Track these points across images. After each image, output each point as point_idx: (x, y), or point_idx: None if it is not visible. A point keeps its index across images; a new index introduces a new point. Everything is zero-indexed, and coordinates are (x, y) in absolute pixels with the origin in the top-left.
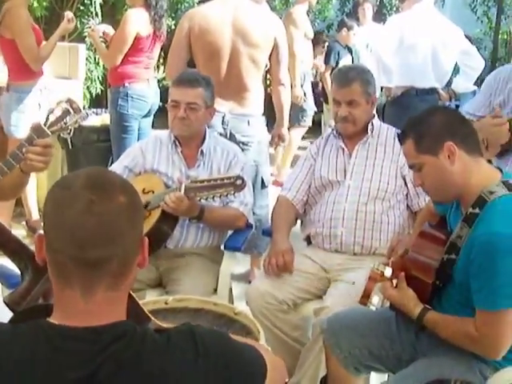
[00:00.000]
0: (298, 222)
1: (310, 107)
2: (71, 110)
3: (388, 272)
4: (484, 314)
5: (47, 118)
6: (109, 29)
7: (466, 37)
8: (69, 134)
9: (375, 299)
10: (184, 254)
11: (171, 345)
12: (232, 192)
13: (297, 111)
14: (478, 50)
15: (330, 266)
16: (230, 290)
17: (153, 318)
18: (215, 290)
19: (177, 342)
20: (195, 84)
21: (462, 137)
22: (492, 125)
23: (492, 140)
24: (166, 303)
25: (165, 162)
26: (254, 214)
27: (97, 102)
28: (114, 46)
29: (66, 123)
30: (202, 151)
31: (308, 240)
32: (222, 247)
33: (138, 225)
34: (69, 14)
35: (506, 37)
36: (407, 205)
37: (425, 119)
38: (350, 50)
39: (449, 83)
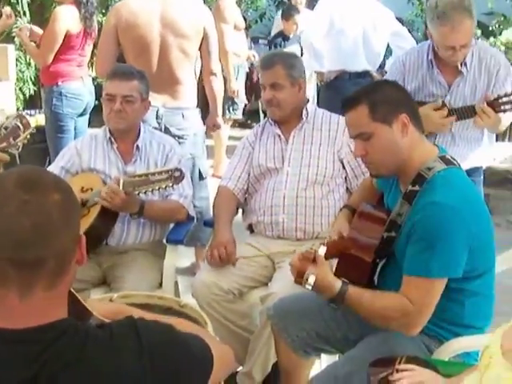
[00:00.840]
0: (240, 211)
1: (241, 100)
2: (21, 126)
3: (321, 251)
4: (417, 280)
5: None
6: (36, 28)
7: (398, 19)
8: (17, 149)
9: (311, 278)
10: (127, 251)
11: (114, 339)
12: (170, 185)
13: (228, 104)
14: (410, 32)
15: (273, 253)
16: (176, 283)
17: (95, 314)
18: (160, 285)
19: (120, 337)
20: (130, 77)
21: (413, 111)
22: (438, 117)
23: (429, 129)
24: (111, 300)
25: (101, 160)
26: (194, 206)
27: (30, 102)
28: (45, 45)
29: (15, 139)
30: (137, 146)
31: (250, 229)
32: (165, 241)
33: (73, 222)
34: (7, 10)
35: None
36: (347, 188)
37: (379, 88)
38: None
39: (382, 65)
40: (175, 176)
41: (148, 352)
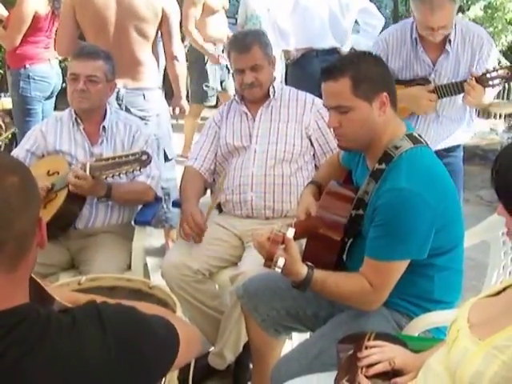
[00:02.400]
0: (208, 191)
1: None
2: (3, 125)
3: (290, 233)
4: (375, 263)
5: None
6: (1, 9)
7: None
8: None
9: (281, 261)
10: (95, 233)
11: (77, 324)
12: (138, 168)
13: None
14: (379, 9)
15: (242, 232)
16: (145, 265)
17: (57, 299)
18: (129, 267)
19: (82, 321)
20: (95, 56)
21: (392, 90)
22: (428, 99)
23: (415, 111)
24: (80, 284)
25: (67, 142)
26: (161, 187)
27: None
28: (12, 27)
29: None
30: (104, 127)
31: (219, 208)
32: (133, 223)
33: (32, 204)
34: None
35: None
36: (315, 165)
37: (363, 63)
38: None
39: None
40: (142, 159)
41: (111, 335)
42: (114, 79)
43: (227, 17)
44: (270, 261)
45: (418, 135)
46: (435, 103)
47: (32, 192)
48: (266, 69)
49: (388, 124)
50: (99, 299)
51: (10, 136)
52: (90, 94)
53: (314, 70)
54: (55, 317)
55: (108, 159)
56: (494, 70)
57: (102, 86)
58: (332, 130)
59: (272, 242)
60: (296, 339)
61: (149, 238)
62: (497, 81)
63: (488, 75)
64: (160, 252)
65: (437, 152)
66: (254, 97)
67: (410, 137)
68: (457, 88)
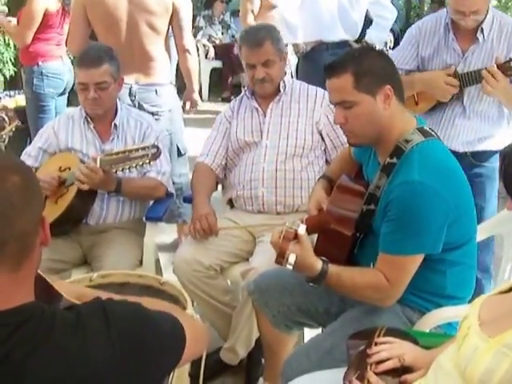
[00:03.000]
0: (220, 186)
1: None
2: (6, 119)
3: (302, 229)
4: (390, 258)
5: None
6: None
7: None
8: (3, 141)
9: (292, 257)
10: (107, 229)
11: (81, 321)
12: (147, 161)
13: None
14: (392, 1)
15: (253, 228)
16: (158, 260)
17: (64, 295)
18: (141, 263)
19: (88, 318)
20: (99, 62)
21: (397, 82)
22: (445, 82)
23: (434, 95)
24: (91, 280)
25: (78, 139)
26: (173, 183)
27: (11, 84)
28: (23, 24)
29: (0, 131)
30: (115, 125)
31: (230, 203)
32: (144, 219)
33: (35, 203)
34: None
35: None
36: (326, 159)
37: (365, 57)
38: None
39: (363, 36)
40: (152, 153)
41: (116, 331)
42: (119, 75)
43: (239, 11)
44: (281, 257)
45: (430, 129)
46: (455, 89)
47: (34, 191)
48: (277, 64)
49: (395, 117)
50: (106, 295)
51: (13, 129)
52: (102, 101)
53: (324, 63)
54: (60, 314)
55: (118, 153)
56: None
57: (112, 87)
58: (340, 126)
59: (284, 238)
60: (308, 334)
61: (162, 233)
62: None
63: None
64: (173, 247)
65: (465, 156)
66: (265, 92)
67: (421, 130)
68: (477, 76)
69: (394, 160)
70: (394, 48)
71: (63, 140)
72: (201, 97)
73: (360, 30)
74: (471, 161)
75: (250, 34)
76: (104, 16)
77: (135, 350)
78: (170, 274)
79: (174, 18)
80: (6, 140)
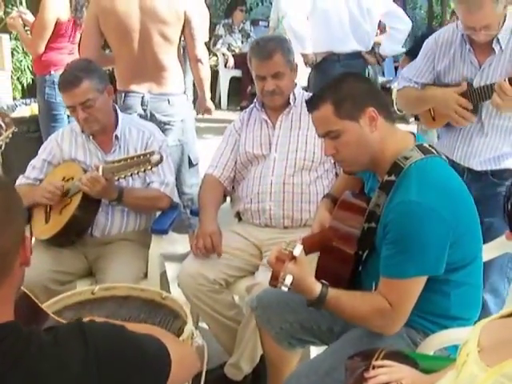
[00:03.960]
0: (228, 199)
1: None
2: (3, 125)
3: (297, 250)
4: (392, 282)
5: None
6: (28, 15)
7: None
8: (0, 148)
9: (288, 279)
10: (112, 241)
11: (58, 341)
12: (149, 168)
13: None
14: (414, 10)
15: (260, 242)
16: (164, 273)
17: (51, 315)
18: (146, 275)
19: (65, 341)
20: (77, 82)
21: (381, 103)
22: (458, 103)
23: (448, 115)
24: (93, 293)
25: (82, 151)
26: (184, 193)
27: (28, 92)
28: (36, 34)
29: None
30: (116, 136)
31: (238, 216)
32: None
33: (16, 223)
34: None
35: None
36: (336, 173)
37: (342, 83)
38: None
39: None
40: (154, 159)
41: (95, 356)
42: (107, 84)
43: (260, 19)
44: (274, 280)
45: (429, 145)
46: (469, 114)
47: (16, 210)
48: (287, 76)
49: (386, 138)
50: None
51: (10, 135)
52: (94, 117)
53: (336, 74)
54: (36, 335)
55: (120, 161)
56: None
57: (100, 101)
58: (332, 158)
59: (278, 260)
60: (314, 352)
61: (173, 244)
62: None
63: None
64: (184, 258)
65: (484, 175)
66: (275, 104)
67: (420, 147)
68: (490, 91)
69: (393, 177)
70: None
71: (67, 151)
72: (220, 105)
73: (372, 41)
74: (492, 179)
75: (260, 46)
76: (116, 26)
77: (115, 370)
78: (177, 286)
79: (186, 28)
80: (3, 146)
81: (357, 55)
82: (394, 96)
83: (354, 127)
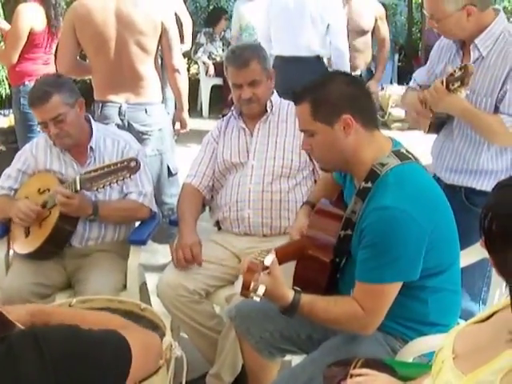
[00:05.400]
0: (208, 208)
1: None
2: None
3: (268, 260)
4: (366, 286)
5: None
6: (3, 23)
7: (382, 4)
8: None
9: (261, 289)
10: (90, 253)
11: (12, 352)
12: (128, 175)
13: None
14: (394, 16)
15: (240, 251)
16: (144, 284)
17: (18, 324)
18: (126, 286)
19: (18, 348)
20: (46, 97)
21: (360, 109)
22: (415, 108)
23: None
24: (71, 306)
25: (57, 161)
26: (164, 203)
27: (8, 103)
28: (9, 44)
29: None
30: (91, 147)
31: (218, 225)
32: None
33: None
34: None
35: (419, 0)
36: (315, 180)
37: (325, 85)
38: None
39: None
40: (131, 166)
41: (49, 357)
42: (78, 98)
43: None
44: (245, 290)
45: (406, 151)
46: (423, 109)
47: None
48: (263, 83)
49: (362, 143)
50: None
51: (6, 150)
52: (65, 132)
53: (291, 77)
54: None
55: (97, 170)
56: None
57: (71, 115)
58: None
59: (248, 270)
60: (296, 360)
61: (154, 254)
62: (457, 83)
63: (454, 75)
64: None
65: (458, 192)
66: (252, 112)
67: (397, 153)
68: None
69: (369, 184)
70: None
71: (42, 162)
72: (201, 114)
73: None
74: (463, 200)
75: (236, 54)
76: (93, 36)
77: (74, 374)
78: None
79: (164, 38)
80: None
81: (306, 59)
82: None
83: (326, 131)
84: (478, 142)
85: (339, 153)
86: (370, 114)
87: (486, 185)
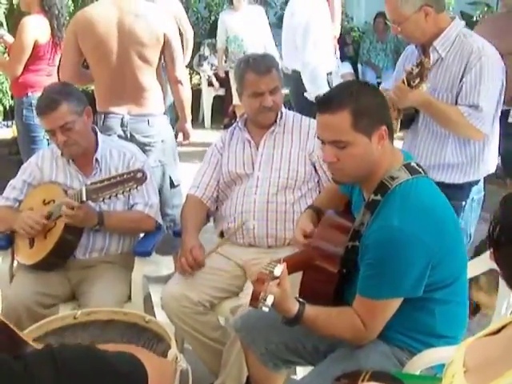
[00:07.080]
0: (212, 219)
1: None
2: None
3: (278, 270)
4: (367, 302)
5: None
6: (7, 36)
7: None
8: None
9: (270, 299)
10: (95, 264)
11: (28, 370)
12: (134, 186)
13: None
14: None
15: (244, 262)
16: (148, 295)
17: (30, 343)
18: (130, 298)
19: (35, 368)
20: (55, 105)
21: (390, 122)
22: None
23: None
24: (75, 318)
25: (62, 173)
26: (167, 214)
27: (11, 114)
28: (13, 57)
29: None
30: (96, 159)
31: (222, 236)
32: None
33: None
34: None
35: None
36: (319, 192)
37: (363, 95)
38: None
39: None
40: (137, 177)
41: (66, 378)
42: (85, 106)
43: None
44: (254, 300)
45: (417, 164)
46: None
47: None
48: (280, 91)
49: (384, 156)
50: None
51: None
52: (73, 140)
53: None
54: (7, 365)
55: (103, 181)
56: (416, 65)
57: (79, 123)
58: (327, 164)
59: (258, 281)
60: (301, 372)
61: (158, 265)
62: (417, 80)
63: (414, 72)
64: (168, 280)
65: None
66: (269, 121)
67: (408, 167)
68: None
69: (379, 197)
70: None
71: (47, 174)
72: (204, 124)
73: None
74: None
75: (257, 61)
76: (95, 46)
77: None
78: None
79: (166, 50)
80: None
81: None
82: None
83: (364, 142)
84: (442, 135)
85: (366, 165)
86: (393, 127)
87: (454, 177)
